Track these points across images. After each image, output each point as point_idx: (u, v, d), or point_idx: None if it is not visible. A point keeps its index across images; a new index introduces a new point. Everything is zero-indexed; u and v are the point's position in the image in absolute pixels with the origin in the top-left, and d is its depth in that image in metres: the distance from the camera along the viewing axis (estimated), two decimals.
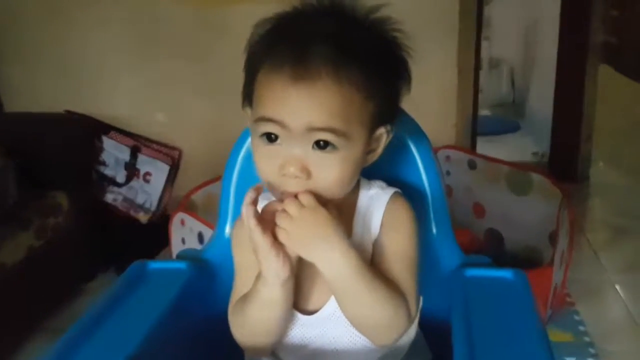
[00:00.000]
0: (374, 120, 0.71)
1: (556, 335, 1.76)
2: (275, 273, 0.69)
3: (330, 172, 0.68)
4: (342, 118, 0.67)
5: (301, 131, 0.67)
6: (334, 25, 0.70)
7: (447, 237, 0.88)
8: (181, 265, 0.88)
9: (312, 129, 0.67)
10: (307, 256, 0.69)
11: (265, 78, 0.69)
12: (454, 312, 0.73)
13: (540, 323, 0.69)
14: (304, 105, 0.66)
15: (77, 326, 0.73)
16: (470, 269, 0.82)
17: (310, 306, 0.77)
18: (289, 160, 0.68)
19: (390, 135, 0.75)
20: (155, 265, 0.88)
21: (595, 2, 2.67)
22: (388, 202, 0.77)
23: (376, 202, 0.77)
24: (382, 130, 0.73)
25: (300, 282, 0.74)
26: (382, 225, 0.76)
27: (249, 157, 0.92)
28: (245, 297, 0.75)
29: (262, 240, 0.68)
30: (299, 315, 0.76)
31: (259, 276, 0.72)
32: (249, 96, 0.74)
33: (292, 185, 0.69)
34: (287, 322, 0.76)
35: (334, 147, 0.68)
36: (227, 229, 0.94)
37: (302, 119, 0.66)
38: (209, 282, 0.89)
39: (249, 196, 0.69)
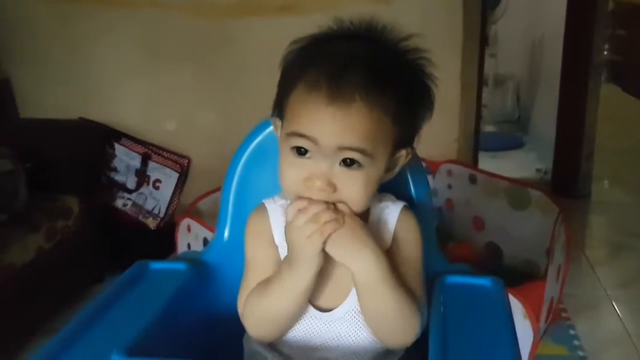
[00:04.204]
0: (398, 143, 0.76)
1: (551, 348, 1.78)
2: (313, 260, 0.73)
3: (354, 188, 0.73)
4: (371, 140, 0.71)
5: (331, 149, 0.71)
6: (368, 50, 0.75)
7: (432, 246, 0.92)
8: (181, 266, 0.91)
9: (342, 148, 0.71)
10: (342, 258, 0.73)
11: (302, 96, 0.73)
12: (432, 316, 0.77)
13: (512, 328, 0.73)
14: (336, 126, 0.70)
15: (76, 319, 0.76)
16: (451, 275, 0.86)
17: (326, 304, 0.80)
18: (316, 175, 0.72)
19: (409, 157, 0.80)
20: (156, 265, 0.92)
21: (598, 20, 2.71)
22: (399, 215, 0.82)
23: (388, 214, 0.82)
24: (402, 153, 0.79)
25: (321, 280, 0.78)
26: (394, 236, 0.81)
27: (249, 164, 0.98)
28: (267, 284, 0.78)
29: (316, 243, 0.71)
30: (313, 310, 0.80)
31: (285, 265, 0.76)
32: (280, 109, 0.78)
33: (315, 196, 0.73)
34: (300, 314, 0.79)
35: (360, 165, 0.72)
36: (226, 233, 0.98)
37: (334, 139, 0.71)
38: (207, 282, 0.93)
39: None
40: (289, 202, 0.81)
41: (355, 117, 0.70)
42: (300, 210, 0.72)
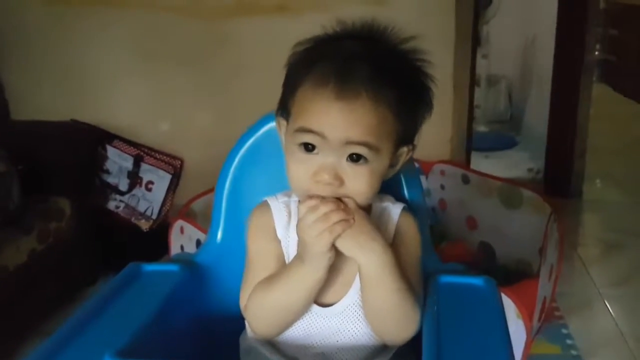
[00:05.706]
0: (400, 139, 0.79)
1: (544, 347, 1.78)
2: (324, 256, 0.74)
3: (360, 182, 0.75)
4: (376, 134, 0.74)
5: (338, 143, 0.73)
6: (372, 49, 0.78)
7: (426, 246, 0.92)
8: (174, 267, 0.91)
9: (349, 143, 0.73)
10: (351, 252, 0.75)
11: (309, 93, 0.75)
12: (425, 315, 0.78)
13: (505, 327, 0.74)
14: (343, 121, 0.73)
15: (69, 322, 0.76)
16: (444, 275, 0.86)
17: (326, 299, 0.81)
18: (324, 168, 0.74)
19: (410, 154, 0.82)
20: (149, 267, 0.91)
21: (590, 20, 2.72)
22: (400, 215, 0.84)
23: (389, 214, 0.85)
24: (404, 149, 0.81)
25: None
26: (395, 235, 0.83)
27: (241, 166, 0.98)
28: (276, 279, 0.79)
29: (325, 241, 0.73)
30: (314, 306, 0.81)
31: (296, 260, 0.78)
32: (285, 108, 0.80)
33: (322, 192, 0.75)
34: (306, 310, 0.80)
35: (366, 160, 0.75)
36: (219, 235, 0.98)
37: (341, 133, 0.73)
38: (200, 284, 0.93)
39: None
40: (292, 198, 0.84)
41: (361, 112, 0.73)
42: (310, 209, 0.73)
